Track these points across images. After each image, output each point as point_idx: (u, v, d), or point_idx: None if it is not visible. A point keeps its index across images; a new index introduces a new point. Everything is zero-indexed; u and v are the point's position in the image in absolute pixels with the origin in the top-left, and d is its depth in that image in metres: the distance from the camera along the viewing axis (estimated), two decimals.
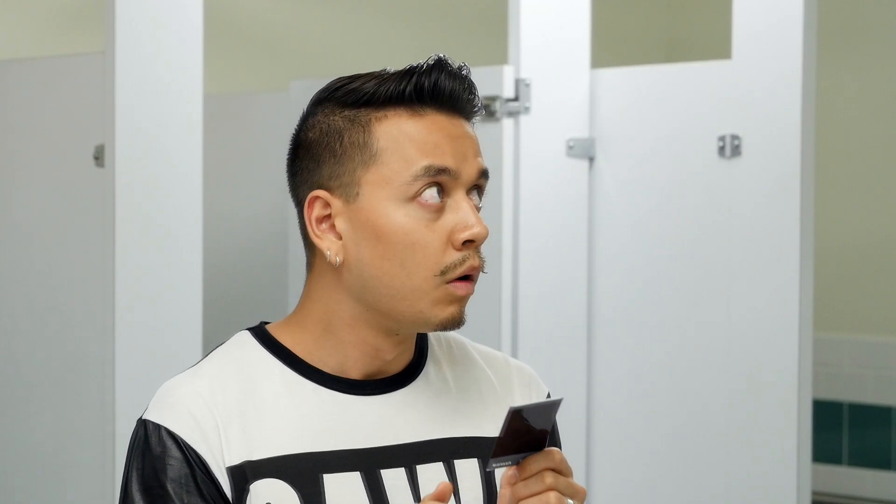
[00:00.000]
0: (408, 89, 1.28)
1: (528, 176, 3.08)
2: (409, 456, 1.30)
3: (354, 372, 1.31)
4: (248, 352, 1.32)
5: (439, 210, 1.26)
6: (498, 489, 1.32)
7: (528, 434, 1.21)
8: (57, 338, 2.84)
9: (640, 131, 3.13)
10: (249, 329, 1.36)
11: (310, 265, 1.34)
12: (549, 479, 1.22)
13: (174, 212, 2.75)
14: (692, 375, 3.04)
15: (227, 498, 1.24)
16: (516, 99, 3.06)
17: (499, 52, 3.23)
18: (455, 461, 1.32)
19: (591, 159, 3.16)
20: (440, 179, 1.26)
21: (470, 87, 1.31)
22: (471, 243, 1.27)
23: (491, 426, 1.35)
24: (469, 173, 1.28)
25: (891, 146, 4.44)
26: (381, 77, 1.30)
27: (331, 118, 1.31)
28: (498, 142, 3.04)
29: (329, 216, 1.30)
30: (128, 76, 2.66)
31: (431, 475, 1.31)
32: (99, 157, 2.72)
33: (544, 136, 3.12)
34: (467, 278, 1.28)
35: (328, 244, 1.29)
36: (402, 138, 1.27)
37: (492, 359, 1.43)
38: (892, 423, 4.46)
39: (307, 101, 1.39)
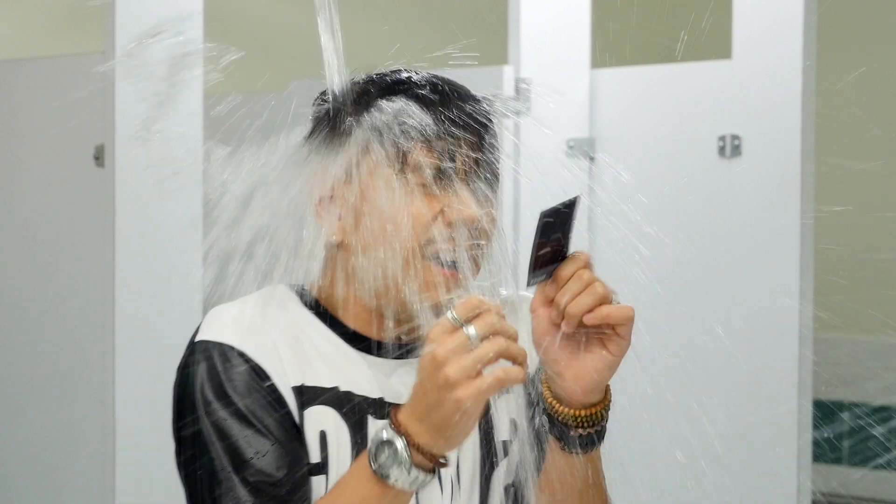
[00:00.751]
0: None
1: (528, 176, 3.08)
2: None
3: (377, 333, 1.31)
4: (287, 301, 1.33)
5: (433, 188, 1.27)
6: (497, 443, 1.33)
7: (555, 241, 1.24)
8: (57, 338, 2.84)
9: (640, 131, 3.13)
10: (286, 285, 1.35)
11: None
12: (587, 275, 1.25)
13: (174, 212, 2.75)
14: (692, 375, 3.04)
15: (292, 413, 1.24)
16: (516, 99, 3.06)
17: (499, 52, 3.23)
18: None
19: (591, 159, 3.16)
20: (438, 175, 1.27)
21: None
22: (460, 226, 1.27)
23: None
24: (463, 162, 1.29)
25: (891, 146, 4.44)
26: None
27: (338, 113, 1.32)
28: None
29: (331, 196, 1.29)
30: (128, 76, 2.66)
31: None
32: (99, 157, 2.72)
33: (544, 136, 3.11)
34: (453, 268, 1.27)
35: (327, 223, 1.29)
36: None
37: (518, 303, 1.43)
38: (893, 423, 4.46)
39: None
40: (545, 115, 3.11)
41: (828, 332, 4.29)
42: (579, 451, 1.30)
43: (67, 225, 2.83)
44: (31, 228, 2.91)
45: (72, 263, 2.81)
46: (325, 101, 1.34)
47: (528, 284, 1.27)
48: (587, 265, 1.29)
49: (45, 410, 2.86)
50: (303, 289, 1.34)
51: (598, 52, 3.23)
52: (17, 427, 2.92)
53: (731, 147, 2.96)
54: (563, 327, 1.25)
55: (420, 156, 1.26)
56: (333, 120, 1.31)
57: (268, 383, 1.24)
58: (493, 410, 1.35)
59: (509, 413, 1.36)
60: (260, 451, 1.22)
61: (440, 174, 1.27)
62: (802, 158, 2.87)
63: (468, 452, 1.32)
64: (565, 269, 1.28)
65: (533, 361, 1.34)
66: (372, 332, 1.32)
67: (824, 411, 4.33)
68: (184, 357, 1.28)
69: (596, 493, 1.36)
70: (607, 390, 1.34)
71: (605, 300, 1.28)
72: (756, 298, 2.93)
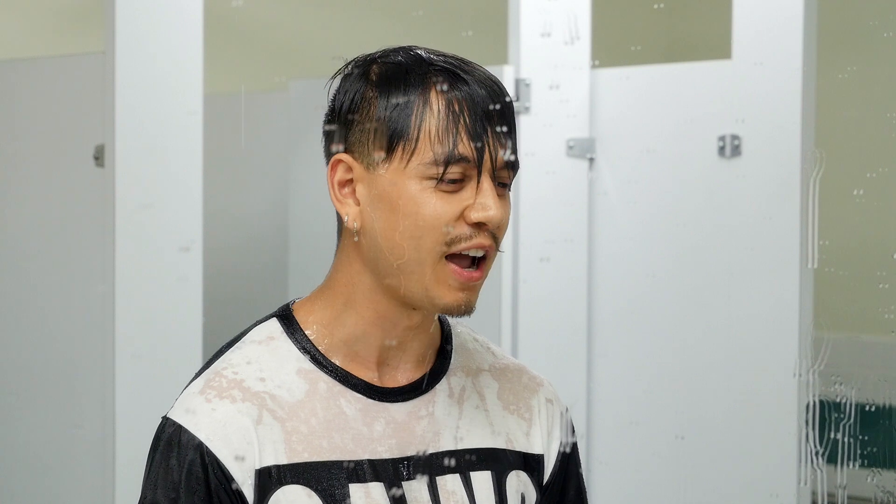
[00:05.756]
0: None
1: (528, 176, 3.09)
2: (429, 467, 1.30)
3: (371, 352, 1.30)
4: (275, 348, 1.30)
5: (459, 188, 1.24)
6: (510, 501, 1.33)
7: None
8: (57, 338, 2.84)
9: (640, 131, 3.13)
10: (278, 317, 1.33)
11: (338, 232, 1.32)
12: None
13: (174, 212, 2.75)
14: (692, 374, 3.04)
15: (247, 503, 1.22)
16: (516, 99, 3.06)
17: (499, 52, 3.23)
18: (471, 473, 1.32)
19: (591, 159, 3.16)
20: (464, 166, 1.24)
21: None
22: (483, 226, 1.25)
23: (503, 440, 1.35)
24: (493, 161, 1.25)
25: (891, 146, 4.44)
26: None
27: (366, 88, 1.27)
28: None
29: (351, 181, 1.27)
30: (128, 76, 2.66)
31: (450, 487, 1.30)
32: (99, 157, 2.72)
33: (544, 136, 3.12)
34: (475, 265, 1.26)
35: (347, 209, 1.27)
36: (431, 120, 1.24)
37: (515, 372, 1.41)
38: (893, 423, 4.46)
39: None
40: (545, 115, 3.11)
41: (828, 332, 4.29)
42: None
43: (67, 225, 2.82)
44: (30, 228, 2.91)
45: (72, 263, 2.81)
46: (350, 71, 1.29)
47: None
48: None
49: (45, 410, 2.86)
50: (294, 321, 1.32)
51: (598, 52, 3.23)
52: (17, 427, 2.92)
53: (731, 147, 2.96)
54: None
55: (439, 150, 1.23)
56: (350, 101, 1.27)
57: (215, 476, 1.22)
58: (504, 479, 1.34)
59: (520, 489, 1.35)
60: None
61: (464, 171, 1.24)
62: (802, 158, 2.87)
63: None
64: None
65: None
66: (367, 364, 1.30)
67: (824, 411, 4.32)
68: (157, 427, 1.28)
69: None
70: None
71: None
72: (756, 298, 2.93)
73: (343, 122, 1.28)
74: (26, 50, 3.73)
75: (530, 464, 1.36)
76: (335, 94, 1.30)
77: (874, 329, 4.48)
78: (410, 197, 1.23)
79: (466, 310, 1.27)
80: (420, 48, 1.30)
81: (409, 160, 1.23)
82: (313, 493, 1.24)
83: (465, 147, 1.23)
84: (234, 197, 3.83)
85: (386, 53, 1.29)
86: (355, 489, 1.25)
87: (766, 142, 2.93)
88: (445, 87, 1.25)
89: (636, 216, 3.12)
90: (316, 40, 4.41)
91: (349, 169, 1.27)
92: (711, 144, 3.00)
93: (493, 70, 3.40)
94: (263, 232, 3.80)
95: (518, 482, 1.35)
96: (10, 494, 2.93)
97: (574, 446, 1.42)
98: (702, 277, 3.03)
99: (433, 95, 1.24)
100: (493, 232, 1.26)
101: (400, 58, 1.27)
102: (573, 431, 1.43)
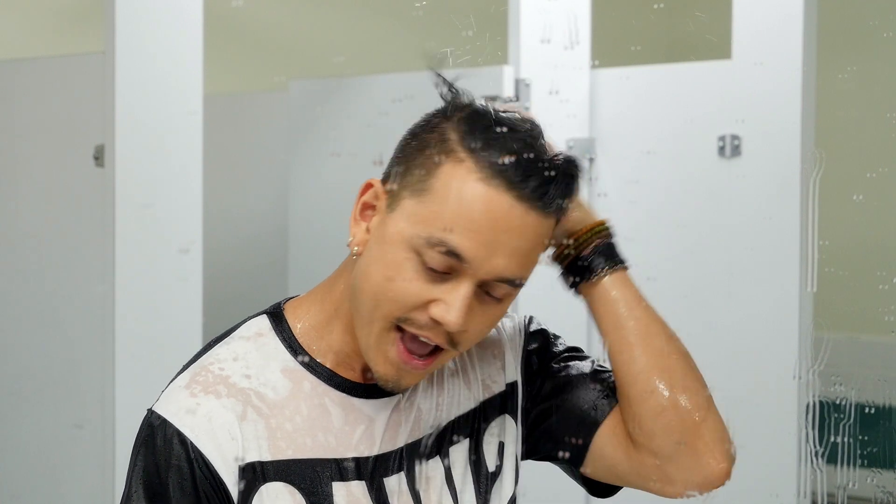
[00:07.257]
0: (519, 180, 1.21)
1: None
2: (411, 459, 1.30)
3: (356, 358, 1.30)
4: (262, 345, 1.30)
5: (441, 277, 1.20)
6: (486, 466, 1.34)
7: None
8: (57, 337, 2.84)
9: (640, 131, 3.13)
10: (269, 314, 1.33)
11: None
12: None
13: (174, 212, 2.75)
14: None
15: (231, 498, 1.23)
16: (516, 99, 3.06)
17: (499, 52, 3.23)
18: (450, 449, 1.33)
19: (591, 159, 3.16)
20: (451, 261, 1.19)
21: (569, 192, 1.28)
22: (439, 324, 1.21)
23: (480, 391, 1.37)
24: (487, 271, 1.20)
25: (891, 146, 4.44)
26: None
27: (435, 131, 1.23)
28: None
29: (374, 208, 1.25)
30: (128, 76, 2.66)
31: (430, 473, 1.31)
32: (99, 157, 2.72)
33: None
34: (422, 356, 1.23)
35: (357, 231, 1.25)
36: (453, 193, 1.19)
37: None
38: (893, 423, 4.46)
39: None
40: (545, 115, 3.11)
41: (828, 332, 4.29)
42: (576, 278, 1.39)
43: (67, 225, 2.83)
44: (30, 228, 2.91)
45: (72, 263, 2.81)
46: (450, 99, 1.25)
47: None
48: None
49: (45, 410, 2.86)
50: (284, 320, 1.32)
51: (598, 52, 3.23)
52: (17, 427, 2.92)
53: (731, 147, 2.96)
54: None
55: (440, 233, 1.18)
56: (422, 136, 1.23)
57: (200, 471, 1.21)
58: (482, 439, 1.35)
59: (499, 437, 1.36)
60: None
61: (452, 267, 1.19)
62: (802, 158, 2.87)
63: (465, 484, 1.33)
64: None
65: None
66: (353, 369, 1.30)
67: (824, 411, 4.32)
68: (142, 421, 1.27)
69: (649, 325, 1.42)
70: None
71: None
72: (756, 298, 2.93)
73: (401, 150, 1.25)
74: (26, 50, 3.73)
75: (510, 396, 1.38)
76: (425, 120, 1.26)
77: (874, 329, 4.49)
78: (394, 260, 1.20)
79: (393, 388, 1.25)
80: (513, 117, 1.25)
81: (415, 222, 1.19)
82: (296, 491, 1.24)
83: (469, 244, 1.18)
84: (234, 197, 3.83)
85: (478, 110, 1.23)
86: (338, 487, 1.25)
87: (766, 142, 2.93)
88: (502, 186, 1.19)
89: (636, 216, 3.12)
90: (316, 40, 4.41)
91: (377, 197, 1.24)
92: (711, 144, 3.00)
93: (492, 70, 3.35)
94: (263, 232, 3.80)
95: (494, 433, 1.36)
96: (10, 494, 2.93)
97: (542, 335, 1.46)
98: (702, 277, 3.03)
99: (477, 172, 1.19)
100: (451, 334, 1.21)
101: (488, 121, 1.22)
102: (532, 322, 1.48)
